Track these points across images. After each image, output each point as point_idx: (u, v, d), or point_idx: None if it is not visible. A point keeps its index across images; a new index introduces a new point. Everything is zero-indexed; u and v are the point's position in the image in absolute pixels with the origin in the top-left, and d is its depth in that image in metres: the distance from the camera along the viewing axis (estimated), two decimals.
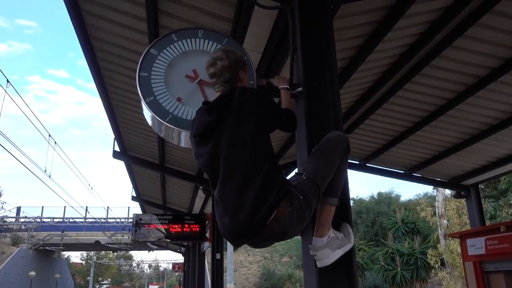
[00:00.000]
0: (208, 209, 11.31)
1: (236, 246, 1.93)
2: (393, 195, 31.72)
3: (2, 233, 33.05)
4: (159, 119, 2.25)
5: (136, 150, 8.14)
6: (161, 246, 21.32)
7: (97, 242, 32.87)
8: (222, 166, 1.86)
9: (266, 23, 3.43)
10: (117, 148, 8.09)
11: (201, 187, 8.58)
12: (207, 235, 8.28)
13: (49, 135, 11.11)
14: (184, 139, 2.36)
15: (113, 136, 7.51)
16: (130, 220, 34.71)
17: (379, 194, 32.78)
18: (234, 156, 1.85)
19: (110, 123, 6.83)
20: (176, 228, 8.40)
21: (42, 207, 34.30)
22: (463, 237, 6.43)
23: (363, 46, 4.50)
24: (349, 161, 7.98)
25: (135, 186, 11.16)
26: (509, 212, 16.24)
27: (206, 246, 10.72)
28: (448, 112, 5.95)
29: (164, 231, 8.37)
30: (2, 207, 38.00)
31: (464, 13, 4.05)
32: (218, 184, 1.88)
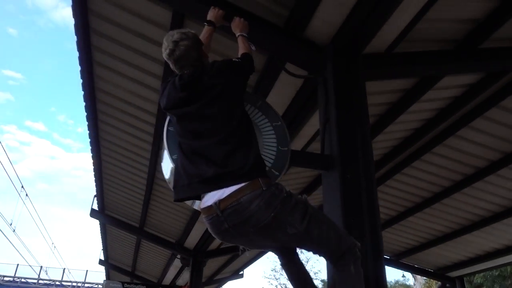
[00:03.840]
0: (181, 281, 10.61)
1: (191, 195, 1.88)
2: None
3: None
4: None
5: (115, 211, 7.70)
6: None
7: None
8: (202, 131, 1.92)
9: (288, 92, 3.38)
10: (95, 207, 7.66)
11: (179, 256, 8.07)
12: None
13: (22, 187, 10.49)
14: None
15: (91, 194, 7.12)
16: (87, 284, 32.37)
17: None
18: (211, 132, 1.89)
19: (95, 179, 6.51)
20: None
21: None
22: None
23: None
24: None
25: (105, 249, 10.46)
26: None
27: None
28: (443, 200, 5.91)
29: None
30: None
31: (470, 106, 4.13)
32: (197, 140, 1.92)
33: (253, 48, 2.50)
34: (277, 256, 2.15)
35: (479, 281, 16.91)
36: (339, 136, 2.45)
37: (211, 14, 2.47)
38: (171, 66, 2.11)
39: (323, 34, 2.71)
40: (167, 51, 2.08)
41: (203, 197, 1.85)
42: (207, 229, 6.27)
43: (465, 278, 8.41)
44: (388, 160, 5.23)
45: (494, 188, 5.48)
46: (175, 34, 2.09)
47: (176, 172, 1.99)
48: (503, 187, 5.45)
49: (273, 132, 2.36)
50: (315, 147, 4.38)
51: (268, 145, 2.32)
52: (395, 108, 4.07)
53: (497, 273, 16.16)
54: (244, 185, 1.72)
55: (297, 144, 4.19)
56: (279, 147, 2.33)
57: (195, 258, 7.53)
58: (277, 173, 2.26)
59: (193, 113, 1.95)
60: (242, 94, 2.06)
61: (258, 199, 1.69)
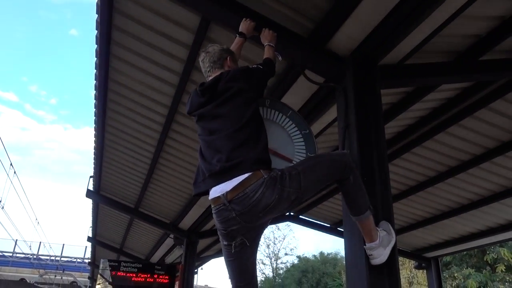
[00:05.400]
0: (171, 258, 10.94)
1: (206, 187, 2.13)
2: (339, 256, 32.09)
3: None
4: None
5: (111, 191, 7.86)
6: None
7: (22, 280, 30.16)
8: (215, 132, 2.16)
9: (303, 94, 3.63)
10: (90, 187, 7.81)
11: (172, 236, 8.35)
12: (176, 287, 7.97)
13: (11, 164, 10.43)
14: None
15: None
16: (64, 258, 32.38)
17: (321, 254, 33.21)
18: (223, 128, 2.13)
19: (95, 161, 6.64)
20: (145, 278, 8.02)
21: None
22: None
23: None
24: (320, 223, 8.13)
25: (95, 227, 10.63)
26: (453, 284, 16.99)
27: None
28: (427, 188, 6.33)
29: (129, 280, 7.95)
30: None
31: (461, 106, 4.47)
32: (211, 136, 2.18)
33: (280, 58, 2.72)
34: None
35: (448, 260, 17.96)
36: (358, 141, 2.72)
37: (243, 26, 2.68)
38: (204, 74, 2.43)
39: (344, 47, 2.96)
40: (201, 58, 2.44)
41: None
42: (203, 211, 6.54)
43: (439, 259, 9.00)
44: None
45: (474, 179, 5.92)
46: (207, 48, 2.45)
47: (197, 170, 2.26)
48: (482, 178, 5.89)
49: (302, 139, 2.62)
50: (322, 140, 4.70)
51: (298, 151, 2.58)
52: (395, 107, 4.38)
53: (464, 252, 17.19)
54: (247, 176, 1.95)
55: None
56: (308, 153, 2.58)
57: (189, 238, 7.83)
58: None
59: (208, 112, 2.22)
60: (256, 97, 2.27)
61: (262, 187, 1.93)
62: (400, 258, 23.05)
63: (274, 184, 1.95)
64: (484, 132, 4.94)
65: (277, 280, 33.01)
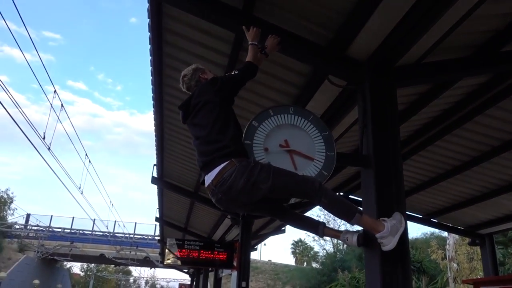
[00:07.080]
0: (231, 236, 11.75)
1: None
2: None
3: (11, 239, 33.33)
4: None
5: (173, 178, 8.67)
6: (171, 266, 21.50)
7: (102, 255, 33.11)
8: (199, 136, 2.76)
9: (331, 94, 3.98)
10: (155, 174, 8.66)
11: (229, 216, 9.05)
12: (235, 263, 8.71)
13: (86, 154, 11.65)
14: None
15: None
16: (137, 236, 34.97)
17: None
18: (200, 135, 2.72)
19: (156, 152, 7.40)
20: (207, 255, 8.86)
21: (51, 216, 34.57)
22: (477, 284, 6.70)
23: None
24: None
25: (161, 208, 11.65)
26: None
27: (226, 272, 11.13)
28: (473, 168, 6.41)
29: (193, 256, 8.85)
30: (13, 214, 38.39)
31: (499, 88, 4.56)
32: (197, 141, 2.79)
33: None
34: (276, 218, 3.06)
35: None
36: (374, 140, 3.06)
37: (249, 36, 2.98)
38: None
39: (361, 53, 3.28)
40: (181, 85, 3.06)
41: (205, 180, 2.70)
42: None
43: (494, 236, 8.93)
44: (420, 134, 5.78)
45: None
46: (182, 73, 3.04)
47: None
48: None
49: (322, 140, 3.02)
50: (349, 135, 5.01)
51: (319, 151, 2.99)
52: (429, 94, 4.56)
53: None
54: (223, 166, 2.50)
55: (336, 133, 4.80)
56: (327, 152, 2.98)
57: (244, 218, 8.48)
58: (326, 173, 2.93)
59: (190, 122, 2.85)
60: (220, 101, 2.73)
61: (234, 173, 2.47)
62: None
63: (244, 171, 2.47)
64: None
65: (338, 256, 33.40)
